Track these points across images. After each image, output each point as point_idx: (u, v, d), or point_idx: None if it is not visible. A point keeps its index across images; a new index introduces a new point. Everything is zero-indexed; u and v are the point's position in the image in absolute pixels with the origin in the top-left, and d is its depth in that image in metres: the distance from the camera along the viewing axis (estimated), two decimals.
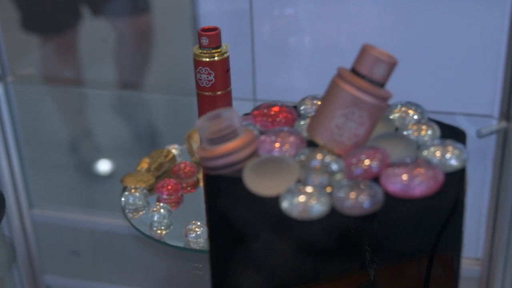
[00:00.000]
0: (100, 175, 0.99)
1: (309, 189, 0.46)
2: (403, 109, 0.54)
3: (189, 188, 0.84)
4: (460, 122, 0.99)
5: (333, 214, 0.46)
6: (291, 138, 0.50)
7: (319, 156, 0.48)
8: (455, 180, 0.48)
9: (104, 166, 1.00)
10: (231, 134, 0.49)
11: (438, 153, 0.49)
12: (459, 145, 0.50)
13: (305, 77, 1.08)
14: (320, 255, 0.47)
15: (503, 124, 0.97)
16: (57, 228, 0.89)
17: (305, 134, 0.52)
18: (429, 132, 0.52)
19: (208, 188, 0.50)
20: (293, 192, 0.46)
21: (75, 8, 1.20)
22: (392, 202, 0.46)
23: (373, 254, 0.46)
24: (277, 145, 0.50)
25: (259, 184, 0.48)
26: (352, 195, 0.46)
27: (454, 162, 0.49)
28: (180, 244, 0.76)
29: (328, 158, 0.47)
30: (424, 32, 1.01)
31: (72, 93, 1.21)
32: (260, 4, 1.03)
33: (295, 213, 0.46)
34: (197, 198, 0.84)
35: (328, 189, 0.47)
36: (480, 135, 0.94)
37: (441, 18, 0.99)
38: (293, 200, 0.46)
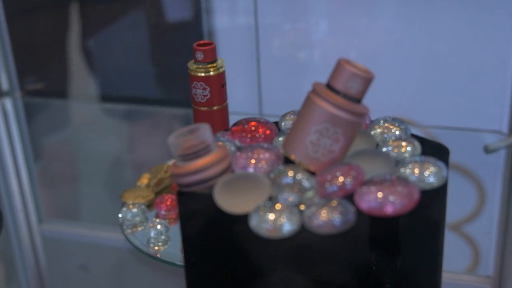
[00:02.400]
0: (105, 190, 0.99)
1: (278, 206, 0.45)
2: (386, 124, 0.53)
3: None
4: (469, 138, 0.97)
5: (303, 233, 0.45)
6: (267, 155, 0.49)
7: (290, 173, 0.46)
8: (432, 198, 0.47)
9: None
10: (203, 150, 0.48)
11: (416, 170, 0.48)
12: (439, 162, 0.48)
13: None
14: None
15: None
16: (65, 243, 0.89)
17: (282, 150, 0.51)
18: (409, 148, 0.50)
19: (180, 205, 0.49)
20: (262, 209, 0.45)
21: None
22: (364, 220, 0.45)
23: None
24: (252, 161, 0.49)
25: (230, 201, 0.47)
26: (323, 213, 0.45)
27: (432, 180, 0.48)
28: (177, 261, 0.75)
29: (299, 176, 0.46)
30: (433, 48, 0.99)
31: (82, 107, 1.22)
32: (267, 19, 1.03)
33: (263, 231, 0.45)
34: None
35: (302, 207, 0.46)
36: (488, 151, 0.92)
37: (450, 34, 0.98)
38: (262, 218, 0.45)
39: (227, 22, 1.10)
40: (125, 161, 1.05)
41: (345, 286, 0.45)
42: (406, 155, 0.50)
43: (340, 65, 0.47)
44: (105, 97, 1.21)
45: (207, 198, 0.48)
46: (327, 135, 0.47)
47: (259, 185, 0.47)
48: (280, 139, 0.52)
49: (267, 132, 0.53)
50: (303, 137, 0.48)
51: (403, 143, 0.50)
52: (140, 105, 1.19)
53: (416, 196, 0.46)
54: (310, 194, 0.46)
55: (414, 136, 0.52)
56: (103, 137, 1.12)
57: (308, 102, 0.48)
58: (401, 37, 1.02)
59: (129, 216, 0.81)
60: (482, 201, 0.89)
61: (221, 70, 0.74)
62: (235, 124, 0.54)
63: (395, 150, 0.50)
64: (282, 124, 0.55)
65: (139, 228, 0.80)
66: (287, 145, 0.49)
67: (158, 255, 0.76)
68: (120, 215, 0.81)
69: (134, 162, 1.06)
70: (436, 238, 0.45)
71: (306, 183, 0.46)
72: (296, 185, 0.46)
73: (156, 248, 0.77)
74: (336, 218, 0.44)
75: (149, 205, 0.83)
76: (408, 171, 0.48)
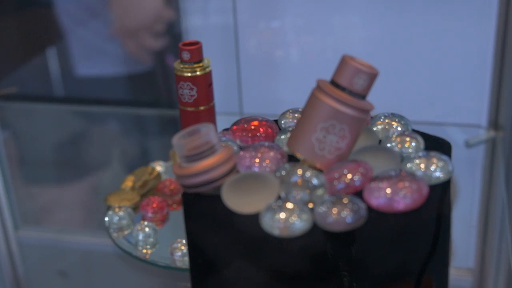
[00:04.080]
0: (85, 193, 0.97)
1: (289, 205, 0.45)
2: (387, 121, 0.53)
3: (174, 206, 0.83)
4: (449, 132, 0.98)
5: (314, 231, 0.45)
6: (271, 153, 0.49)
7: (299, 172, 0.46)
8: (440, 193, 0.47)
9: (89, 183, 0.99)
10: (208, 151, 0.47)
11: (422, 166, 0.48)
12: (444, 156, 0.49)
13: (292, 90, 1.07)
14: (295, 281, 0.46)
15: (492, 133, 0.96)
16: (43, 248, 0.88)
17: (285, 148, 0.51)
18: (413, 144, 0.50)
19: (186, 207, 0.48)
20: (273, 209, 0.45)
21: None
22: (375, 217, 0.45)
23: (351, 279, 0.44)
24: (257, 160, 0.49)
25: (238, 201, 0.46)
26: (334, 210, 0.44)
27: (439, 174, 0.48)
28: (166, 263, 0.75)
29: (308, 173, 0.46)
30: (410, 43, 1.00)
31: (56, 110, 1.20)
32: (245, 18, 1.02)
33: (275, 230, 0.44)
34: (183, 215, 0.83)
35: (310, 205, 0.46)
36: (468, 145, 0.93)
37: (427, 29, 0.98)
38: (274, 217, 0.44)
39: (200, 22, 1.10)
40: (104, 164, 1.04)
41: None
42: (410, 150, 0.50)
43: (345, 62, 0.47)
44: (76, 100, 1.19)
45: (214, 199, 0.47)
46: (333, 132, 0.47)
47: (268, 184, 0.46)
48: (282, 137, 0.52)
49: (269, 130, 0.53)
50: (309, 134, 0.48)
51: (407, 139, 0.50)
52: (112, 107, 1.18)
53: (425, 191, 0.46)
54: (320, 192, 0.46)
55: (415, 131, 0.53)
56: (78, 140, 1.11)
57: (313, 99, 0.48)
58: (377, 34, 1.03)
59: (115, 219, 0.80)
60: (464, 194, 0.90)
61: (207, 70, 0.73)
62: (235, 124, 0.54)
63: (399, 145, 0.50)
64: (282, 122, 0.55)
65: (126, 232, 0.79)
66: (292, 143, 0.49)
67: (147, 257, 0.76)
68: (106, 219, 0.80)
69: (112, 165, 1.04)
70: (447, 231, 0.45)
71: (315, 181, 0.46)
72: (305, 183, 0.46)
73: (144, 251, 0.76)
74: (348, 215, 0.44)
75: (135, 208, 0.82)
76: (414, 166, 0.48)
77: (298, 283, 0.45)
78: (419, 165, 0.48)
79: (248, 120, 0.54)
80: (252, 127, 0.53)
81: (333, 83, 0.48)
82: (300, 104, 1.07)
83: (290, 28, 1.06)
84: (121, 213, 0.80)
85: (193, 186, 0.48)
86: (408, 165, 0.48)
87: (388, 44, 1.02)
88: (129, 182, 0.84)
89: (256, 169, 0.49)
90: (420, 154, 0.49)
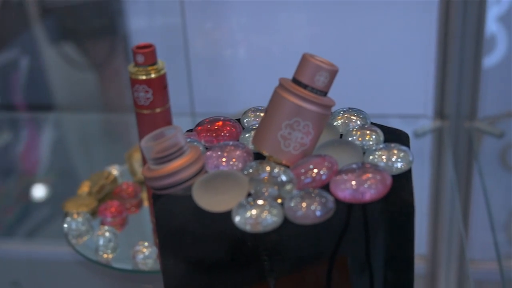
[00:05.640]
0: (38, 201, 0.96)
1: (260, 201, 0.46)
2: (346, 115, 0.55)
3: (133, 209, 0.83)
4: (396, 124, 1.01)
5: (286, 226, 0.46)
6: (238, 152, 0.50)
7: (267, 168, 0.47)
8: (402, 182, 0.49)
9: (40, 191, 0.97)
10: (177, 153, 0.48)
11: (384, 157, 0.50)
12: (404, 147, 0.50)
13: (242, 88, 1.08)
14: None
15: (438, 123, 0.99)
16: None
17: (251, 147, 0.52)
18: (373, 136, 0.52)
19: (157, 208, 0.49)
20: (245, 206, 0.46)
21: None
22: (343, 208, 0.47)
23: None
24: (223, 160, 0.50)
25: (209, 200, 0.47)
26: (304, 204, 0.46)
27: (400, 165, 0.50)
28: (129, 266, 0.75)
29: (276, 170, 0.47)
30: (355, 38, 1.02)
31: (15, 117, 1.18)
32: (193, 18, 1.03)
33: (247, 227, 0.46)
34: (142, 218, 0.83)
35: (279, 200, 0.47)
36: (416, 135, 0.96)
37: (371, 24, 1.01)
38: (245, 214, 0.46)
39: (145, 24, 1.10)
40: (49, 170, 1.03)
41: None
42: (371, 143, 0.52)
43: (306, 60, 0.49)
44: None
45: (184, 199, 0.48)
46: (298, 128, 0.48)
47: (238, 182, 0.47)
48: (247, 135, 0.53)
49: (233, 130, 0.54)
50: (274, 132, 0.49)
51: (367, 132, 0.52)
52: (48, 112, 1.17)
53: (388, 181, 0.48)
54: (289, 187, 0.47)
55: (374, 124, 0.54)
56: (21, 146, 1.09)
57: (276, 97, 0.49)
58: (322, 31, 1.05)
59: (74, 226, 0.79)
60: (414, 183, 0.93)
61: (162, 72, 0.74)
62: (198, 124, 0.55)
63: (360, 139, 0.52)
64: (245, 121, 0.56)
65: (85, 238, 0.79)
66: (257, 141, 0.50)
67: (110, 263, 0.76)
68: (65, 226, 0.79)
69: (56, 171, 1.03)
70: (411, 219, 0.47)
71: (284, 177, 0.47)
72: (274, 180, 0.47)
73: (105, 256, 0.76)
74: (318, 208, 0.46)
75: (93, 213, 0.82)
76: (376, 158, 0.50)
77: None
78: (381, 157, 0.50)
79: (212, 120, 0.54)
80: (216, 127, 0.54)
81: (295, 81, 0.49)
82: (251, 101, 1.09)
83: (237, 28, 1.07)
84: (79, 219, 0.79)
85: (163, 188, 0.48)
86: (370, 157, 0.50)
87: (333, 40, 1.04)
88: (85, 188, 0.84)
89: (224, 168, 0.50)
90: (381, 146, 0.51)
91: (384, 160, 0.50)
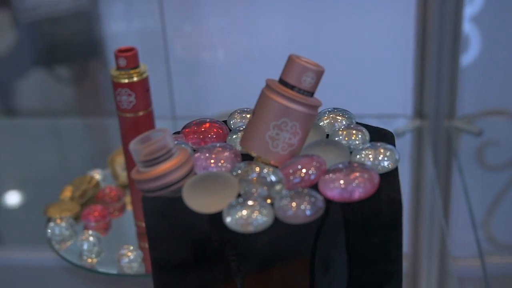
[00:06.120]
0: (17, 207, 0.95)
1: (250, 202, 0.46)
2: (331, 115, 0.55)
3: (116, 213, 0.83)
4: (375, 124, 1.02)
5: (276, 226, 0.46)
6: (226, 153, 0.50)
7: (257, 169, 0.48)
8: (390, 180, 0.49)
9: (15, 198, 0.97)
10: (166, 155, 0.48)
11: (370, 156, 0.50)
12: (390, 146, 0.51)
13: (222, 90, 1.08)
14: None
15: (418, 122, 1.00)
16: None
17: (238, 148, 0.52)
18: (359, 136, 0.53)
19: (147, 211, 0.49)
20: (235, 206, 0.46)
21: None
22: (332, 207, 0.47)
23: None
24: (212, 161, 0.50)
25: (199, 202, 0.47)
26: (294, 204, 0.46)
27: (386, 163, 0.50)
28: (114, 270, 0.75)
29: (265, 170, 0.48)
30: (332, 38, 1.03)
31: None
32: (172, 22, 1.03)
33: (239, 227, 0.46)
34: (126, 221, 0.83)
35: (268, 201, 0.48)
36: (397, 134, 0.97)
37: (349, 23, 1.02)
38: (236, 214, 0.46)
39: (124, 27, 1.10)
40: (28, 176, 1.02)
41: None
42: (357, 142, 0.52)
43: (292, 61, 0.49)
44: None
45: (174, 201, 0.48)
46: (286, 129, 0.49)
47: (228, 183, 0.47)
48: (234, 137, 0.53)
49: (220, 131, 0.54)
50: (262, 132, 0.49)
51: (353, 131, 0.53)
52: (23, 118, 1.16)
53: (376, 180, 0.48)
54: (278, 187, 0.47)
55: (359, 123, 0.55)
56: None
57: (264, 98, 0.50)
58: (300, 32, 1.06)
59: (57, 231, 0.79)
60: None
61: (144, 75, 0.74)
62: (185, 127, 0.55)
63: (346, 138, 0.53)
64: (231, 122, 0.56)
65: (68, 243, 0.79)
66: (245, 142, 0.50)
67: (94, 267, 0.75)
68: (48, 231, 0.79)
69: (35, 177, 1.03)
70: (399, 216, 0.48)
71: (273, 177, 0.47)
72: (264, 180, 0.47)
73: (90, 260, 0.76)
74: (307, 207, 0.46)
75: (76, 218, 0.82)
76: (363, 157, 0.51)
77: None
78: (367, 156, 0.50)
79: (199, 122, 0.55)
80: (203, 129, 0.54)
81: (282, 82, 0.49)
82: (231, 103, 1.09)
83: (215, 30, 1.08)
84: (63, 224, 0.79)
85: (153, 190, 0.48)
86: (357, 156, 0.51)
87: (312, 41, 1.05)
88: (67, 193, 0.84)
89: (213, 170, 0.50)
90: (368, 145, 0.51)
91: (371, 159, 0.50)
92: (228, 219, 0.46)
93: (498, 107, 1.03)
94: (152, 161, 0.48)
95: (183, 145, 0.52)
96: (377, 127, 0.56)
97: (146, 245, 0.78)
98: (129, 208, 0.83)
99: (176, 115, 1.06)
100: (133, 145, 0.48)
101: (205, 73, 1.08)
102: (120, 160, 0.85)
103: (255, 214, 0.46)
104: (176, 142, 0.52)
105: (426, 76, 0.98)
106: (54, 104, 1.18)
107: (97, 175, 0.88)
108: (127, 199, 0.84)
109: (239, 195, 0.48)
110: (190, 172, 0.49)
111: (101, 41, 1.14)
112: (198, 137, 0.54)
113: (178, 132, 0.55)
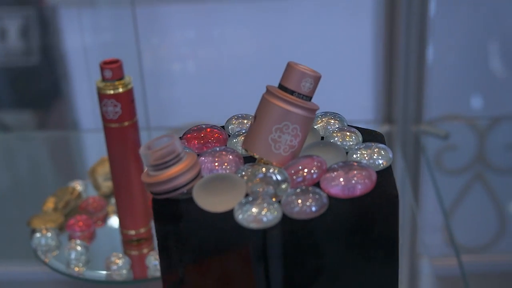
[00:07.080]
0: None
1: (259, 200, 0.49)
2: (325, 119, 0.58)
3: (99, 222, 0.84)
4: None
5: (284, 222, 0.49)
6: (229, 156, 0.53)
7: (263, 170, 0.50)
8: (385, 177, 0.53)
9: None
10: (175, 159, 0.50)
11: (366, 155, 0.54)
12: (383, 145, 0.55)
13: (192, 100, 1.11)
14: None
15: (387, 127, 1.04)
16: None
17: (239, 151, 0.55)
18: (353, 137, 0.56)
19: (157, 213, 0.51)
20: (245, 205, 0.49)
21: None
22: (335, 203, 0.50)
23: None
24: (216, 164, 0.53)
25: (210, 202, 0.50)
26: (300, 201, 0.49)
27: (381, 162, 0.54)
28: (102, 278, 0.76)
29: (271, 170, 0.50)
30: (299, 46, 1.06)
31: None
32: (143, 34, 1.05)
33: (250, 224, 0.48)
34: (109, 230, 0.84)
35: (273, 199, 0.50)
36: None
37: (316, 31, 1.05)
38: (247, 212, 0.48)
39: (92, 41, 1.11)
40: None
41: None
42: (351, 143, 0.56)
43: (291, 68, 0.52)
44: None
45: (186, 202, 0.50)
46: (287, 131, 0.52)
47: (235, 184, 0.50)
48: (234, 141, 0.56)
49: (220, 136, 0.57)
50: (265, 135, 0.52)
51: (347, 133, 0.56)
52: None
53: (374, 176, 0.52)
54: (284, 186, 0.50)
55: (350, 126, 0.58)
56: None
57: (265, 103, 0.52)
58: (266, 42, 1.09)
59: (43, 241, 0.80)
60: None
61: (129, 86, 0.76)
62: (186, 133, 0.57)
63: (340, 140, 0.56)
64: (229, 128, 0.59)
65: (54, 253, 0.80)
66: (249, 145, 0.53)
67: (83, 275, 0.77)
68: (34, 242, 0.80)
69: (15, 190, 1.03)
70: (396, 210, 0.51)
71: (279, 177, 0.50)
72: (270, 179, 0.50)
73: (77, 269, 0.77)
74: (313, 204, 0.49)
75: (60, 228, 0.82)
76: (359, 156, 0.54)
77: None
78: (363, 155, 0.54)
79: (199, 128, 0.57)
80: (203, 135, 0.56)
81: (282, 87, 0.52)
82: (202, 112, 1.11)
83: (183, 42, 1.10)
84: (48, 234, 0.80)
85: (163, 192, 0.50)
86: (354, 156, 0.54)
87: (278, 50, 1.08)
88: (50, 204, 0.85)
89: (218, 172, 0.52)
90: (362, 145, 0.55)
91: (367, 158, 0.54)
92: (239, 217, 0.49)
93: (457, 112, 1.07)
94: (162, 165, 0.50)
95: (188, 150, 0.54)
96: (368, 129, 0.59)
97: (133, 253, 0.79)
98: (112, 217, 0.85)
99: (151, 126, 1.08)
100: (143, 150, 0.50)
101: (176, 84, 1.10)
102: (101, 171, 0.87)
103: (265, 211, 0.48)
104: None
105: (394, 83, 1.02)
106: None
107: (78, 186, 0.89)
108: (110, 208, 0.85)
109: (246, 195, 0.50)
110: (198, 175, 0.51)
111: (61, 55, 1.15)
112: (199, 142, 0.56)
113: (180, 138, 0.57)
